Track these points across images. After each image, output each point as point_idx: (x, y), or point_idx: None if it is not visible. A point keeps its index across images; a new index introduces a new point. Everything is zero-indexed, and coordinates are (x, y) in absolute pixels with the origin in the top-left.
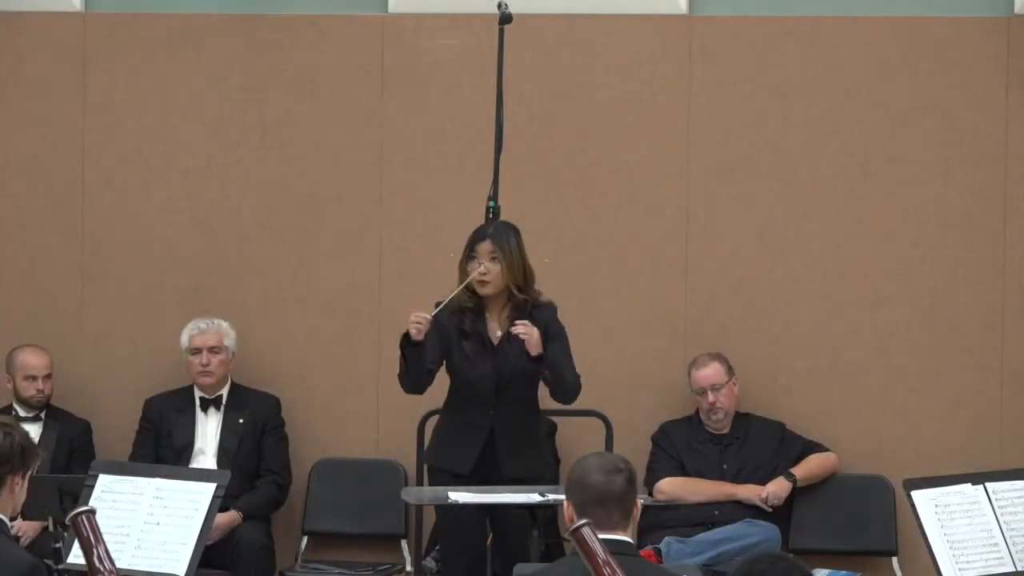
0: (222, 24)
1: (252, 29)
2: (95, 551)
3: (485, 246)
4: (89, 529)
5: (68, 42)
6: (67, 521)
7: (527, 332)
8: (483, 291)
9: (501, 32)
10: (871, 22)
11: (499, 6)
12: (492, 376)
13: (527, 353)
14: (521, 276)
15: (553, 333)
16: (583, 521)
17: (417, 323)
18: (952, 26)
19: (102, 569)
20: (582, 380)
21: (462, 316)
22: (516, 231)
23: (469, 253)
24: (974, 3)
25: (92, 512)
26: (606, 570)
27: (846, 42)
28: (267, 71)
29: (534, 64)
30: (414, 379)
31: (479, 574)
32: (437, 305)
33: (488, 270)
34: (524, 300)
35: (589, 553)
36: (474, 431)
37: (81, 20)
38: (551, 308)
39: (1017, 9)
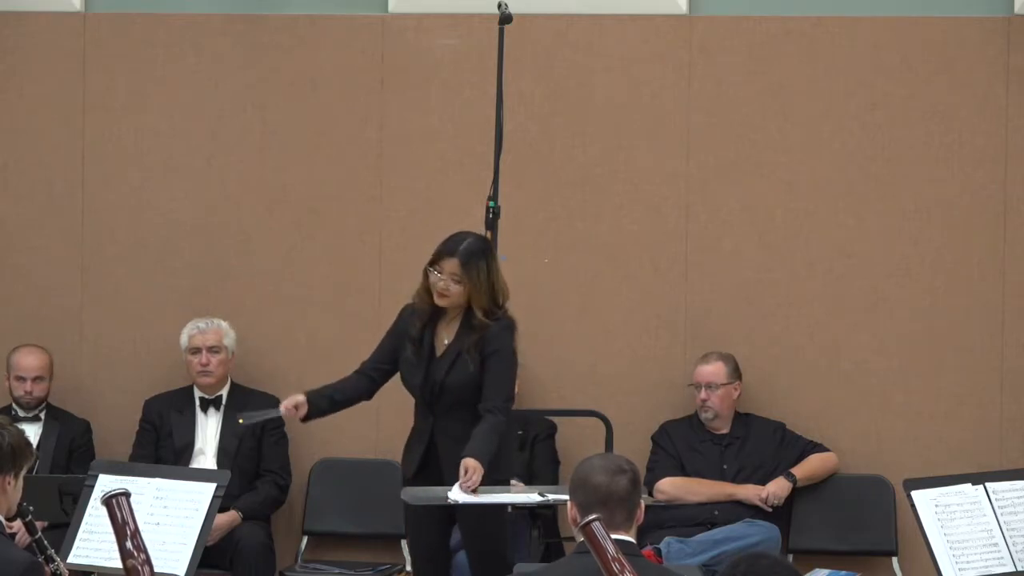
0: (222, 24)
1: (252, 29)
2: (128, 535)
3: (451, 264)
4: (123, 513)
5: (68, 42)
6: (101, 503)
7: (473, 484)
8: (439, 303)
9: (501, 32)
10: (871, 22)
11: (499, 6)
12: (423, 386)
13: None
14: (488, 299)
15: (490, 352)
16: (594, 516)
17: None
18: (952, 26)
19: (135, 553)
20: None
21: (413, 320)
22: (487, 251)
23: (435, 262)
24: (974, 3)
25: (127, 495)
26: (615, 566)
27: (846, 42)
28: (267, 71)
29: (534, 64)
30: (349, 405)
31: (442, 573)
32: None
33: (448, 288)
34: (483, 324)
35: (599, 549)
36: (418, 437)
37: (81, 20)
38: (501, 322)
39: (1017, 9)
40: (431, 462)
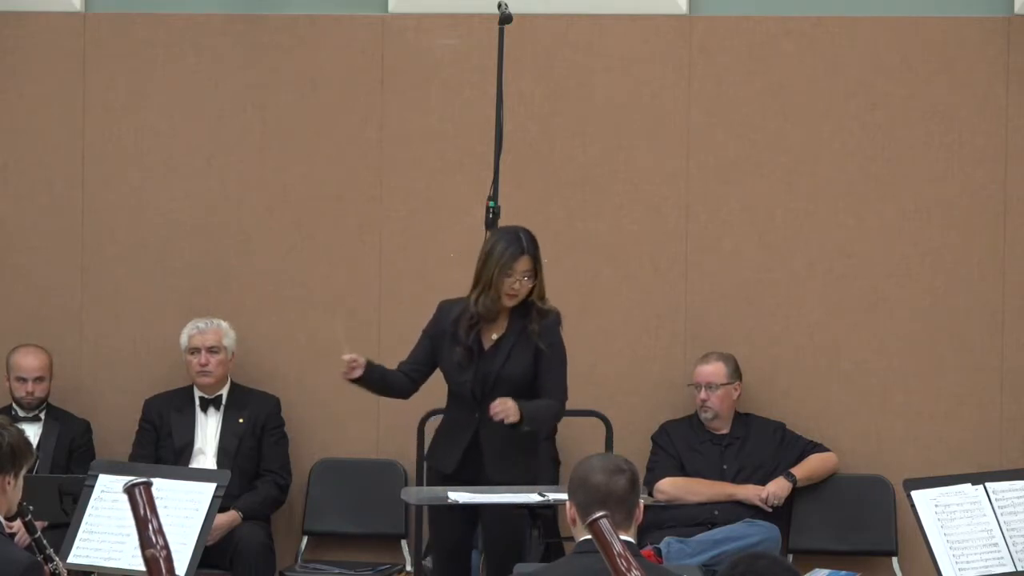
0: (222, 24)
1: (252, 29)
2: (150, 525)
3: (524, 262)
4: (145, 502)
5: (68, 42)
6: (123, 491)
7: (503, 412)
8: (510, 303)
9: (501, 32)
10: (871, 22)
11: (499, 6)
12: (474, 381)
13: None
14: (543, 287)
15: (548, 344)
16: (601, 513)
17: (347, 370)
18: (952, 26)
19: (155, 543)
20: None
21: (460, 319)
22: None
23: (506, 269)
24: (974, 3)
25: (149, 484)
26: (621, 563)
27: (846, 42)
28: (267, 71)
29: (534, 64)
30: (389, 393)
31: (463, 572)
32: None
33: (522, 287)
34: (544, 311)
35: (605, 545)
36: (460, 432)
37: (81, 20)
38: (554, 316)
39: (1017, 9)
40: (473, 458)
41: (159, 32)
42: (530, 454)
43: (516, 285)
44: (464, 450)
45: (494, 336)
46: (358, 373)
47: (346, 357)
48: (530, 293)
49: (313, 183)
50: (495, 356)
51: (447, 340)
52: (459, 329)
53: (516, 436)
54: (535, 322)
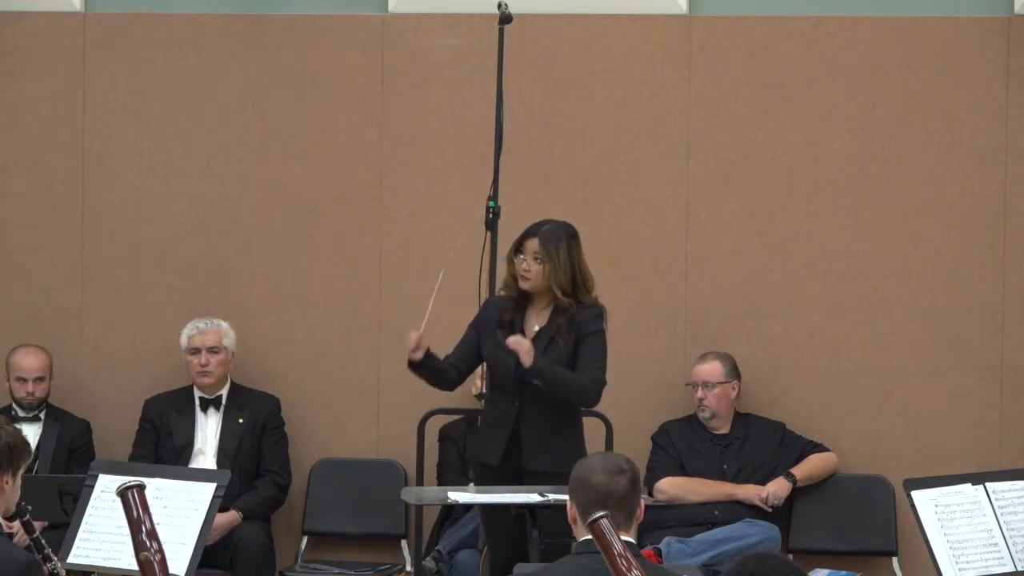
0: (222, 24)
1: (252, 29)
2: (143, 528)
3: (532, 244)
4: (138, 505)
5: (68, 42)
6: (116, 494)
7: (516, 345)
8: (523, 286)
9: (501, 32)
10: (871, 22)
11: (499, 6)
12: (517, 368)
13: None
14: (567, 281)
15: (585, 333)
16: (602, 513)
17: (411, 348)
18: (952, 26)
19: (148, 546)
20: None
21: (505, 306)
22: (571, 235)
23: (517, 247)
24: (974, 3)
25: (142, 487)
26: (622, 563)
27: (846, 42)
28: (267, 71)
29: (534, 64)
30: (440, 383)
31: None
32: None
33: (530, 268)
34: (588, 306)
35: (606, 546)
36: (502, 422)
37: (81, 20)
38: (594, 309)
39: (1017, 9)
40: (515, 449)
41: (159, 32)
42: (566, 441)
43: (524, 265)
44: (507, 441)
45: (536, 327)
46: (419, 355)
47: (414, 335)
48: (564, 284)
49: (313, 183)
50: (535, 345)
51: (492, 326)
52: (504, 313)
53: (553, 425)
54: (575, 315)
